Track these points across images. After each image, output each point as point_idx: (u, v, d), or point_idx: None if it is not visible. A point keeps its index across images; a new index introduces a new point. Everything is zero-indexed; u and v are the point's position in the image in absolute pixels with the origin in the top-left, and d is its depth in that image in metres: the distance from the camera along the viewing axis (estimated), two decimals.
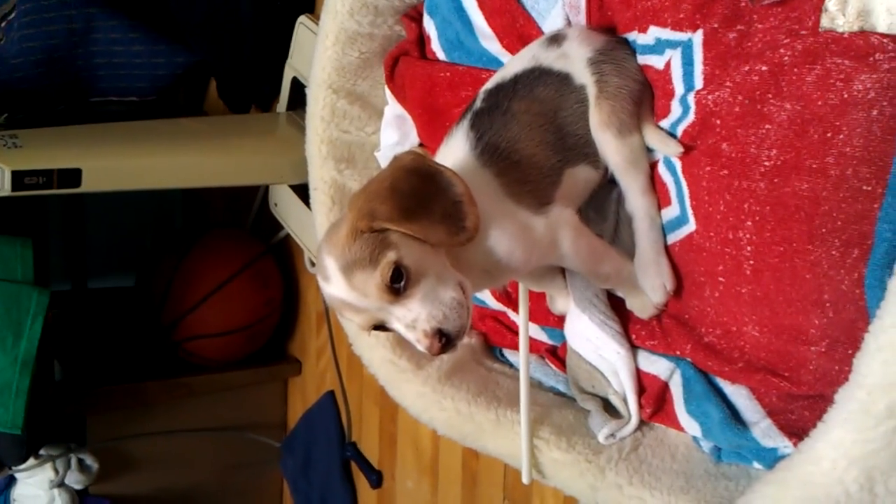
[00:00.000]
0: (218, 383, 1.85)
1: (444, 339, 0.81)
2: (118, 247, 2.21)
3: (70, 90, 1.88)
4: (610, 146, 0.95)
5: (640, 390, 1.03)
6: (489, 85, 1.00)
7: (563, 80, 0.95)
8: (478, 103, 0.98)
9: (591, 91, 0.95)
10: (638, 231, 0.98)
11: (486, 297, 1.22)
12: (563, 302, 1.08)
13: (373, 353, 1.24)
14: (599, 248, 0.98)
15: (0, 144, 1.41)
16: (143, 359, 1.88)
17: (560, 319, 1.11)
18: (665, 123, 0.94)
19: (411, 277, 0.81)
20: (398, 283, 0.80)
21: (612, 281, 1.00)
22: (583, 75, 0.95)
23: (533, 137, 0.94)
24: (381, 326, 0.84)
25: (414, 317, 0.81)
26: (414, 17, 1.25)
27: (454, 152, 0.95)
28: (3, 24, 1.83)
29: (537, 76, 0.97)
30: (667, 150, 0.94)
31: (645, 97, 0.96)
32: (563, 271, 1.08)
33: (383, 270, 0.80)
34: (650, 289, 0.98)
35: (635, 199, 0.98)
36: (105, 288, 2.15)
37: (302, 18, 1.62)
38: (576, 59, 0.96)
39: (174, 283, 1.78)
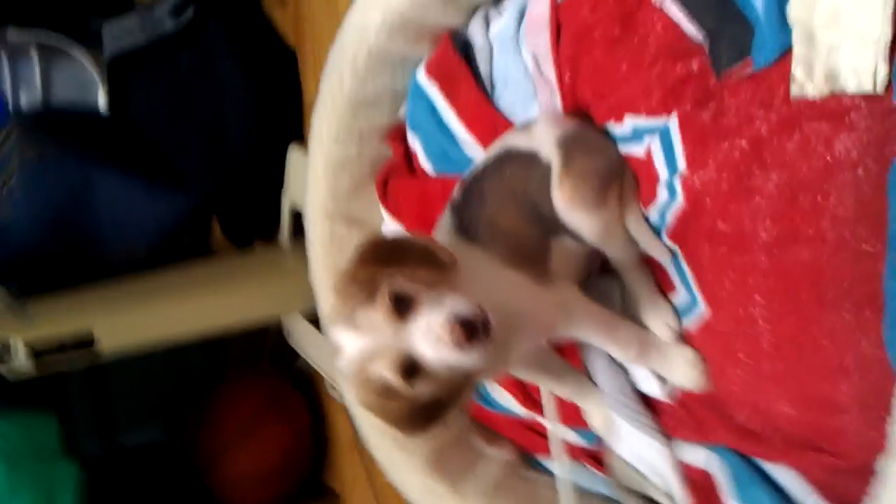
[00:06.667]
0: None
1: (464, 322, 0.77)
2: (143, 397, 2.19)
3: (78, 250, 1.91)
4: (581, 223, 0.93)
5: (685, 482, 1.00)
6: (464, 177, 1.01)
7: (530, 157, 0.95)
8: (454, 195, 1.00)
9: (556, 170, 0.93)
10: (630, 283, 0.99)
11: (513, 405, 1.20)
12: (600, 417, 1.05)
13: (407, 478, 1.21)
14: (611, 316, 0.97)
15: (12, 317, 1.43)
16: None
17: None
18: (654, 209, 0.94)
19: (413, 297, 0.79)
20: (401, 306, 0.79)
21: (635, 349, 0.97)
22: (550, 154, 0.94)
23: (509, 212, 0.94)
24: (411, 368, 0.79)
25: (426, 322, 0.78)
26: (398, 135, 1.27)
27: (440, 240, 0.95)
28: (3, 192, 1.88)
29: (504, 157, 0.98)
30: (652, 252, 0.95)
31: (621, 177, 0.95)
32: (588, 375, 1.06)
33: (382, 298, 0.79)
34: (657, 330, 0.97)
35: (627, 266, 0.98)
36: (136, 445, 2.13)
37: (292, 147, 1.65)
38: (543, 139, 0.96)
39: (201, 429, 1.77)
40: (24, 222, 1.82)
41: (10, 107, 1.90)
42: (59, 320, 1.44)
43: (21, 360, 1.39)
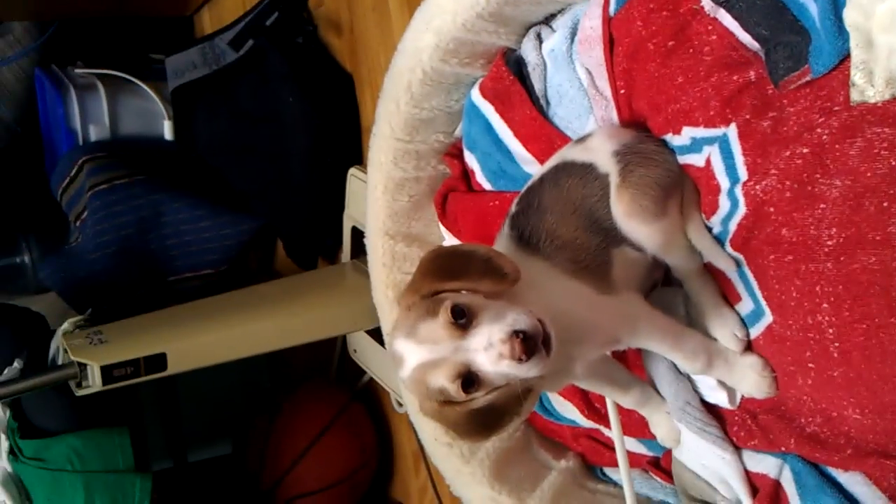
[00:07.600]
0: None
1: (523, 336, 0.78)
2: (212, 415, 2.24)
3: (147, 275, 1.97)
4: (642, 234, 0.94)
5: (753, 491, 0.99)
6: (522, 191, 1.02)
7: (587, 168, 0.96)
8: (513, 208, 1.01)
9: (614, 181, 0.94)
10: (694, 293, 0.98)
11: (577, 416, 1.20)
12: (665, 426, 1.05)
13: (472, 491, 1.22)
14: (677, 326, 0.97)
15: (87, 342, 1.47)
16: None
17: None
18: (715, 219, 0.93)
19: (473, 312, 0.80)
20: (461, 319, 0.80)
21: (702, 359, 0.97)
22: (607, 165, 0.95)
23: (569, 223, 0.94)
24: (470, 379, 0.80)
25: (486, 337, 0.79)
26: (455, 154, 1.29)
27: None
28: (77, 223, 1.95)
29: (561, 169, 0.98)
30: (716, 262, 0.94)
31: (682, 189, 0.96)
32: (653, 384, 1.06)
33: (444, 312, 0.80)
34: (724, 340, 0.96)
35: (690, 276, 0.98)
36: (205, 459, 2.17)
37: (352, 171, 1.68)
38: (599, 151, 0.96)
39: (269, 445, 1.80)
40: (95, 249, 1.88)
41: (81, 141, 1.98)
42: (132, 344, 1.48)
43: (96, 383, 1.43)
